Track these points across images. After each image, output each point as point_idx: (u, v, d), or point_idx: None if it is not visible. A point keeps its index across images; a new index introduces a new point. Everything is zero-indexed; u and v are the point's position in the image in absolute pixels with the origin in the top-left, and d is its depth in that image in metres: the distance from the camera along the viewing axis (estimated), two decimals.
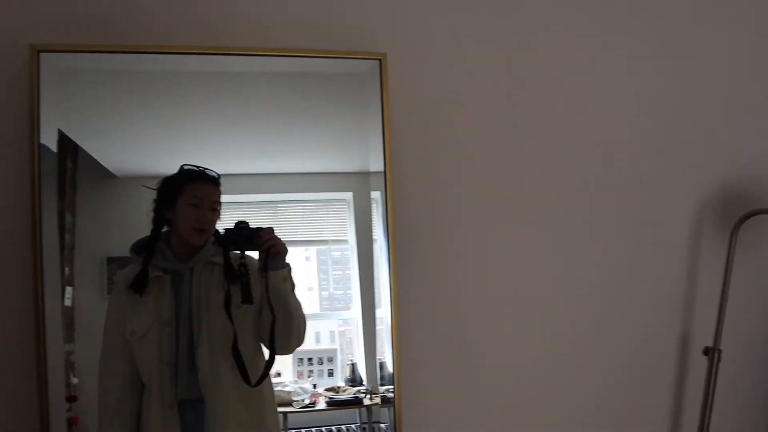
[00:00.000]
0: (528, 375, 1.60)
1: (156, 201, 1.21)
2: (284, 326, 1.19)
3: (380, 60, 1.36)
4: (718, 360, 1.48)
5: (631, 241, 1.61)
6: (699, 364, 1.59)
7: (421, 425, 1.54)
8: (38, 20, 1.30)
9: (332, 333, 1.52)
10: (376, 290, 1.45)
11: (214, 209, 1.21)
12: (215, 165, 1.29)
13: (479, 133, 1.54)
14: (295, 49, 1.35)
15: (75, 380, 1.28)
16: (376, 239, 1.45)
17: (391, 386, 1.49)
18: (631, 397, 1.65)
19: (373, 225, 1.46)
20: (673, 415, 1.68)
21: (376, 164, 1.42)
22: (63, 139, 1.29)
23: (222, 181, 1.25)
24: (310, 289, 1.47)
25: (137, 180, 1.35)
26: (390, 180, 1.40)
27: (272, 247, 1.18)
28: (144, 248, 1.20)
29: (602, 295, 1.61)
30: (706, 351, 1.52)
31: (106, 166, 1.32)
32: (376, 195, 1.43)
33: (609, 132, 1.59)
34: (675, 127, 1.61)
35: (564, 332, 1.61)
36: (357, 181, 1.45)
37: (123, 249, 1.31)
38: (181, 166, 1.20)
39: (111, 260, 1.33)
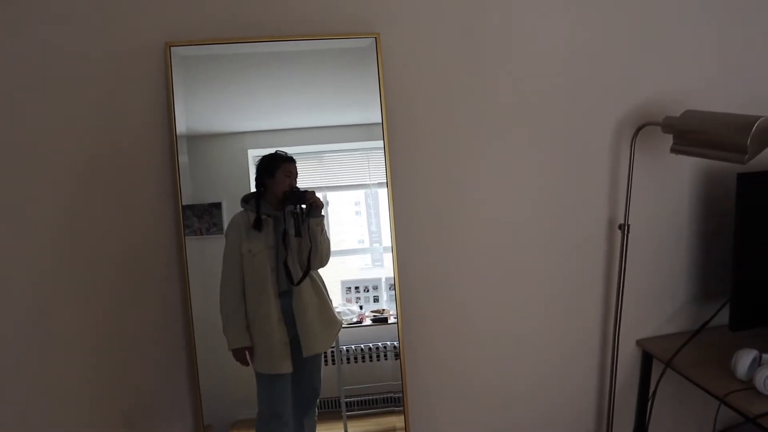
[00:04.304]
0: (497, 260, 1.99)
1: (258, 171, 1.71)
2: (313, 253, 1.71)
3: (376, 38, 1.69)
4: (628, 232, 1.93)
5: (571, 151, 1.94)
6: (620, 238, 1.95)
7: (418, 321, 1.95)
8: (165, 23, 1.65)
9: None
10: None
11: (295, 177, 1.71)
12: (274, 122, 1.69)
13: (451, 87, 1.81)
14: (320, 33, 1.68)
15: None
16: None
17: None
18: (576, 266, 2.06)
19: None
20: (606, 277, 2.09)
21: (377, 117, 1.72)
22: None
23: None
24: (361, 241, 1.82)
25: (230, 136, 1.71)
26: (386, 130, 1.73)
27: (313, 203, 1.69)
28: (250, 201, 1.70)
29: (548, 193, 1.96)
30: (620, 227, 1.95)
31: (210, 126, 1.67)
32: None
33: (552, 69, 1.87)
34: (601, 62, 1.89)
35: (522, 226, 1.97)
36: (369, 132, 1.74)
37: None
38: (276, 151, 1.69)
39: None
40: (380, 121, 1.74)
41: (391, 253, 1.80)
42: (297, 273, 1.72)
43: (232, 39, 1.67)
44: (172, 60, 1.66)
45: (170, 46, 1.65)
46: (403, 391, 1.86)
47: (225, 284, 1.71)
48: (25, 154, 1.67)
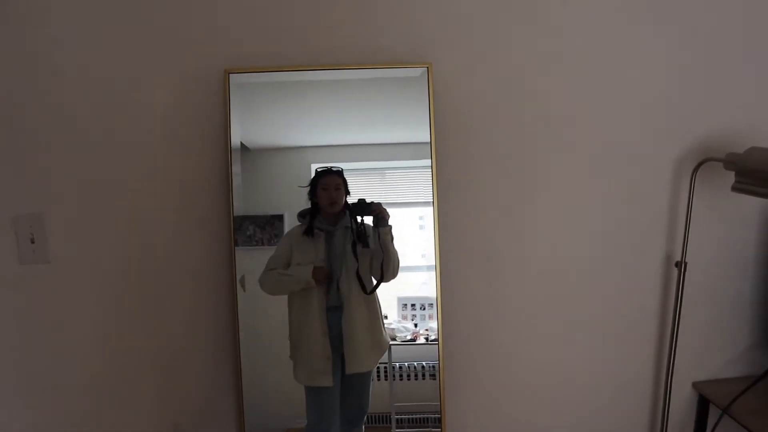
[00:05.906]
0: (546, 293, 1.96)
1: (309, 191, 1.76)
2: (386, 262, 1.74)
3: (428, 68, 1.75)
4: (685, 270, 1.86)
5: (628, 184, 1.91)
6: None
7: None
8: (224, 50, 1.75)
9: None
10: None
11: (338, 189, 1.74)
12: (333, 138, 1.78)
13: (503, 117, 1.84)
14: (380, 62, 1.77)
15: None
16: None
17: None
18: (629, 302, 2.00)
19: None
20: (661, 316, 2.02)
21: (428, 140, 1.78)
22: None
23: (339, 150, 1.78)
24: (424, 256, 1.83)
25: (291, 150, 1.79)
26: (435, 158, 1.78)
27: (379, 214, 1.73)
28: (306, 215, 1.76)
29: (604, 226, 1.93)
30: (677, 264, 1.88)
31: (274, 142, 1.79)
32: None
33: (612, 105, 1.85)
34: (662, 94, 1.86)
35: (574, 258, 1.94)
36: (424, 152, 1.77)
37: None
38: (316, 169, 1.75)
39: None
40: (429, 145, 1.79)
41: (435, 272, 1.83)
42: (369, 286, 1.75)
43: (288, 67, 1.76)
44: (231, 87, 1.74)
45: (229, 74, 1.73)
46: (441, 411, 1.87)
47: (265, 274, 1.77)
48: (99, 165, 1.82)
